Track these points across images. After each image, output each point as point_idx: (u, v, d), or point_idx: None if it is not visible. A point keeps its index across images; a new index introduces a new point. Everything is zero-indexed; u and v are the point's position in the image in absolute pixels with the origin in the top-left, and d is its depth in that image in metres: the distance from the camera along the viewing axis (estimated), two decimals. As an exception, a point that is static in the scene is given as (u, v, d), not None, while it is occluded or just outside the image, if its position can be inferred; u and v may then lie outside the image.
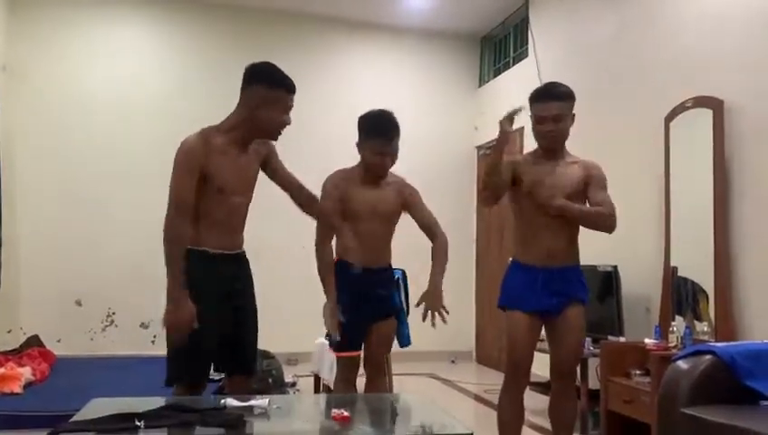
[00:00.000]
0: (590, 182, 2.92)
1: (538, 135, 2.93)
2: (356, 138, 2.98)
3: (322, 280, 2.88)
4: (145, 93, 6.18)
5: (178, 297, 2.33)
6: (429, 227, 3.04)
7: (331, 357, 3.50)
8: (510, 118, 2.75)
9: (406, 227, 3.10)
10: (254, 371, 2.74)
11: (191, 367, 2.47)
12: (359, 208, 2.92)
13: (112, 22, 6.17)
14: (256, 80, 2.50)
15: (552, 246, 2.90)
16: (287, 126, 2.57)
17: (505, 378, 3.01)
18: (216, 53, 6.29)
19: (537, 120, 2.89)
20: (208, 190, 2.44)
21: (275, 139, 2.62)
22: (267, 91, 2.48)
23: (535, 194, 2.87)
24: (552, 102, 2.85)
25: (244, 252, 2.66)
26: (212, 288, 2.45)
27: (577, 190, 2.91)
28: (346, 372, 3.03)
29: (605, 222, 2.89)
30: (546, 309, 2.90)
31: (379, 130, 2.89)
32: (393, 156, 2.94)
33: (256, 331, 2.67)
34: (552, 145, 2.92)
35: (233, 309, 2.54)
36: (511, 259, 3.07)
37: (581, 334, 3.02)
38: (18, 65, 5.79)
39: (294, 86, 2.55)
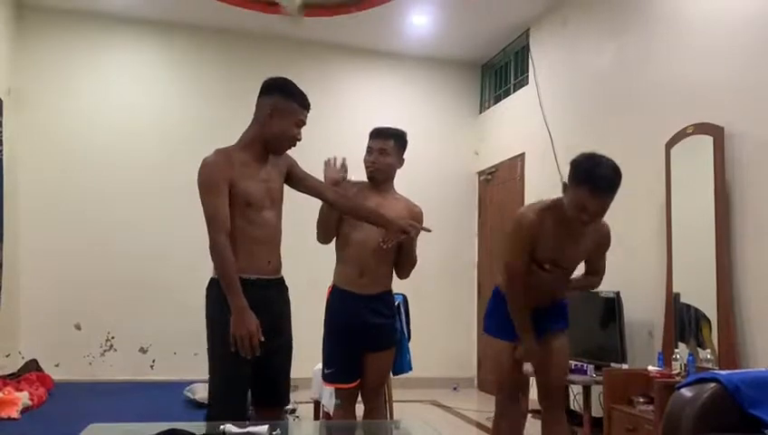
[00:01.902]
0: (599, 249, 2.88)
1: (572, 215, 2.63)
2: (358, 163, 3.04)
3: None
4: (148, 119, 6.21)
5: (242, 308, 2.33)
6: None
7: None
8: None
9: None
10: (286, 402, 2.67)
11: (232, 402, 2.42)
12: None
13: (117, 47, 6.23)
14: (271, 90, 2.53)
15: (541, 299, 2.90)
16: (298, 141, 2.57)
17: (496, 403, 3.01)
18: (218, 79, 6.35)
19: (578, 206, 2.57)
20: (237, 207, 2.42)
21: (282, 153, 2.60)
22: (280, 101, 2.50)
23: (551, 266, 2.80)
24: (604, 198, 2.56)
25: (281, 278, 2.61)
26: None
27: (590, 253, 2.90)
28: (345, 400, 3.00)
29: (594, 288, 3.16)
30: None
31: (374, 130, 3.06)
32: (383, 157, 2.98)
33: (290, 361, 2.62)
34: (585, 227, 2.73)
35: (267, 337, 2.42)
36: (496, 287, 3.02)
37: (566, 358, 3.02)
38: (23, 90, 5.84)
39: (309, 103, 2.57)
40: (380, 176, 3.00)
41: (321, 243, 3.01)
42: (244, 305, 2.34)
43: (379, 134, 3.02)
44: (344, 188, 2.92)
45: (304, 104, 2.55)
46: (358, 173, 3.07)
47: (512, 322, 2.87)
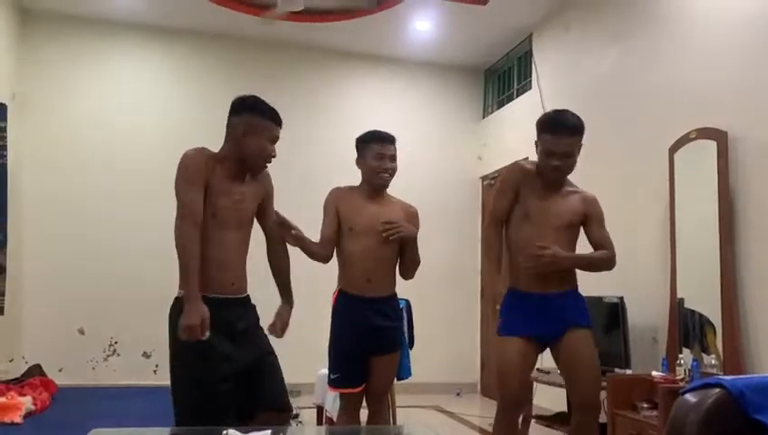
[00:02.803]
0: (592, 219, 2.87)
1: (544, 167, 2.82)
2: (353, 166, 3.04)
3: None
4: (150, 123, 6.24)
5: (194, 299, 2.29)
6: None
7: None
8: None
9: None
10: (285, 408, 2.57)
11: (200, 419, 2.32)
12: (360, 222, 2.91)
13: (120, 52, 6.27)
14: (242, 109, 2.51)
15: (548, 272, 2.80)
16: (273, 158, 2.55)
17: (499, 407, 2.86)
18: (221, 83, 6.35)
19: (545, 153, 2.79)
20: (204, 216, 2.39)
21: (260, 171, 2.59)
22: (253, 119, 2.48)
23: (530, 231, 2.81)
24: (564, 138, 2.75)
25: (247, 296, 2.56)
26: (210, 335, 2.34)
27: (574, 222, 2.85)
28: (349, 405, 3.00)
29: (608, 265, 2.90)
30: (542, 335, 2.80)
31: (377, 135, 2.99)
32: (393, 163, 2.98)
33: (275, 370, 2.55)
34: (558, 179, 2.86)
35: (240, 351, 2.42)
36: (507, 288, 2.95)
37: (593, 361, 2.85)
38: (27, 94, 5.87)
39: (280, 119, 2.55)
40: (389, 182, 3.00)
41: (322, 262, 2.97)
42: (197, 296, 2.30)
43: (387, 139, 2.99)
44: (337, 197, 2.95)
45: (276, 120, 2.53)
46: (350, 177, 3.07)
47: (522, 317, 2.78)
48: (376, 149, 2.95)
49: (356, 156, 3.03)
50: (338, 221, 2.95)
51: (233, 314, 2.45)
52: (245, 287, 2.56)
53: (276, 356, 2.58)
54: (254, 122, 2.48)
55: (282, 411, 2.53)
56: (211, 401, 2.34)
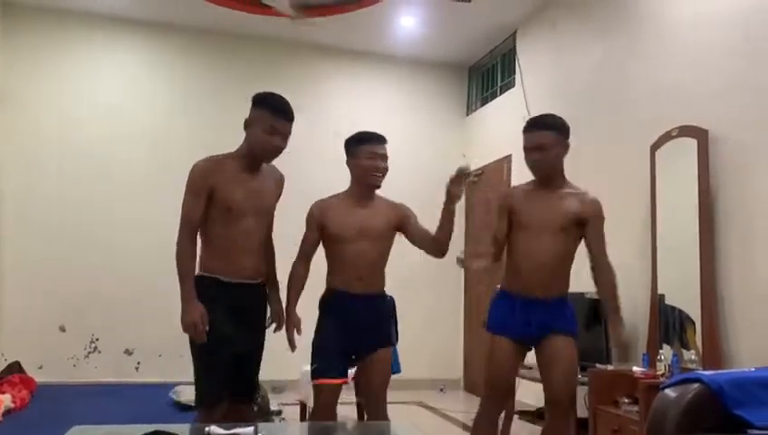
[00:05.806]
0: (591, 224, 2.89)
1: (527, 164, 2.98)
2: (343, 161, 3.02)
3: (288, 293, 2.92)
4: (134, 122, 6.16)
5: (188, 300, 2.50)
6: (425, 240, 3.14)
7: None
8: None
9: (397, 254, 3.13)
10: (252, 398, 2.84)
11: (210, 388, 2.59)
12: (343, 229, 2.89)
13: (104, 46, 6.19)
14: (253, 103, 2.66)
15: (539, 279, 2.89)
16: (280, 149, 2.64)
17: (484, 402, 2.98)
18: (204, 79, 6.32)
19: (524, 152, 2.95)
20: (218, 212, 2.56)
21: (267, 161, 2.72)
22: (253, 111, 2.63)
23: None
24: (537, 132, 2.87)
25: (259, 282, 2.72)
26: (220, 316, 2.54)
27: (569, 225, 2.87)
28: (327, 400, 2.91)
29: (612, 279, 3.04)
30: (525, 337, 2.89)
31: (369, 135, 3.00)
32: (385, 163, 2.98)
33: (259, 361, 2.78)
34: (540, 174, 2.93)
35: (240, 337, 2.61)
36: (499, 286, 3.07)
37: (570, 364, 2.91)
38: (8, 88, 5.78)
39: (287, 112, 2.65)
40: (381, 182, 3.00)
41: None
42: (191, 296, 2.51)
43: (378, 139, 2.99)
44: (320, 213, 2.93)
45: (276, 112, 2.62)
46: (332, 173, 3.06)
47: (508, 319, 2.91)
48: (367, 149, 2.94)
49: (346, 157, 3.01)
50: (319, 236, 2.94)
51: (243, 298, 2.63)
52: (259, 273, 2.71)
53: (263, 346, 2.78)
54: (254, 115, 2.62)
55: (248, 399, 2.78)
56: (212, 371, 2.56)
